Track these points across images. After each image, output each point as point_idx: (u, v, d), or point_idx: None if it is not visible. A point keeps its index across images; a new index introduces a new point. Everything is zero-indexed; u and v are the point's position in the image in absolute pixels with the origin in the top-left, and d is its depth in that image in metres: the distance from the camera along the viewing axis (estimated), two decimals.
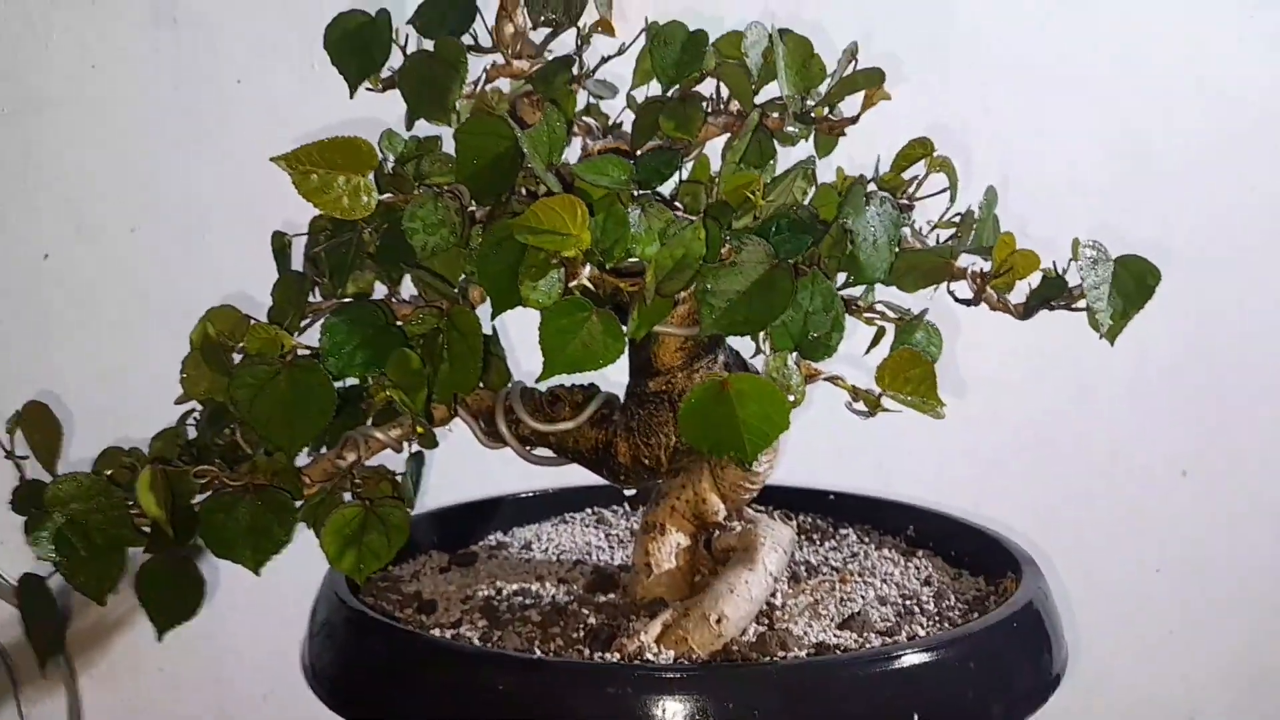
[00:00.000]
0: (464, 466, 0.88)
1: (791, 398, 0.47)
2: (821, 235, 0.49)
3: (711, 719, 0.49)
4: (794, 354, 0.51)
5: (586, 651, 0.64)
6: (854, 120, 0.57)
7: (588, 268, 0.46)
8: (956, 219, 0.60)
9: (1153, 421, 1.04)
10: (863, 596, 0.74)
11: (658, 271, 0.46)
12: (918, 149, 0.58)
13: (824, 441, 1.03)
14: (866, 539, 0.88)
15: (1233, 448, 1.04)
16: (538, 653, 0.64)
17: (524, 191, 0.56)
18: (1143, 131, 1.05)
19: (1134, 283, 0.54)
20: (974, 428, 1.06)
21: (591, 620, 0.69)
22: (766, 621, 0.68)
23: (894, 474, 1.06)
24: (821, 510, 0.95)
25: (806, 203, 0.54)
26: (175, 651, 1.00)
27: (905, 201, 0.58)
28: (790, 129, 0.56)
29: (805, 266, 0.50)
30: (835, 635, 0.66)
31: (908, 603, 0.72)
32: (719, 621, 0.64)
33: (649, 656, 0.63)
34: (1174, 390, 1.04)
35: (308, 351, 0.54)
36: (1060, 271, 0.56)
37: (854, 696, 0.51)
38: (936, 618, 0.69)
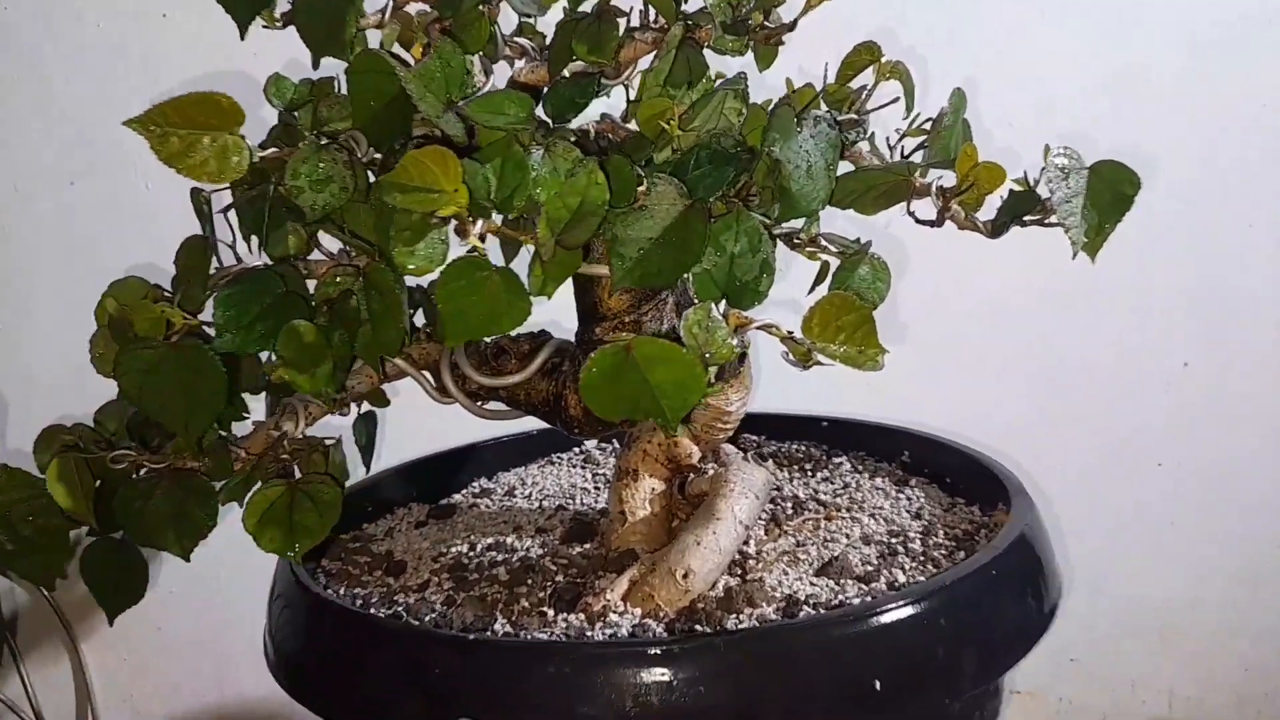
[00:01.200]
0: (446, 411, 0.84)
1: (709, 354, 0.42)
2: (748, 165, 0.44)
3: (654, 697, 0.46)
4: (723, 302, 0.46)
5: (550, 613, 0.62)
6: (790, 27, 0.51)
7: (480, 223, 0.41)
8: (928, 125, 0.53)
9: (1153, 317, 1.00)
10: (847, 535, 0.70)
11: (551, 224, 0.41)
12: (864, 54, 0.51)
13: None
14: (860, 468, 0.83)
15: (1233, 340, 1.00)
16: (499, 620, 0.61)
17: (438, 134, 0.50)
18: (1132, 34, 0.98)
19: (1109, 193, 0.48)
20: (970, 339, 1.03)
21: (560, 577, 0.67)
22: (740, 571, 0.65)
23: (887, 395, 0.99)
24: (815, 438, 0.91)
25: (739, 125, 0.48)
26: (172, 610, 0.99)
27: (852, 115, 0.52)
28: (721, 42, 0.50)
29: (735, 200, 0.44)
30: (811, 584, 0.62)
31: (893, 541, 0.68)
32: (685, 576, 0.61)
33: (614, 616, 0.60)
34: (1174, 285, 0.99)
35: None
36: (1032, 184, 0.50)
37: (809, 667, 0.47)
38: (921, 558, 0.65)
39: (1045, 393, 1.03)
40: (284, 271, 0.50)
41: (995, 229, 0.52)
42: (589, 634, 0.58)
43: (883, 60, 0.51)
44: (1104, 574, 1.04)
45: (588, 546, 0.72)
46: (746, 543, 0.66)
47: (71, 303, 1.00)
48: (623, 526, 0.70)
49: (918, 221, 0.54)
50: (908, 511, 0.74)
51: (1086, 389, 1.02)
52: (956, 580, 0.53)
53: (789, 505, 0.76)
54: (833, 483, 0.81)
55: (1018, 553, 0.57)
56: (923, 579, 0.61)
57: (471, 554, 0.72)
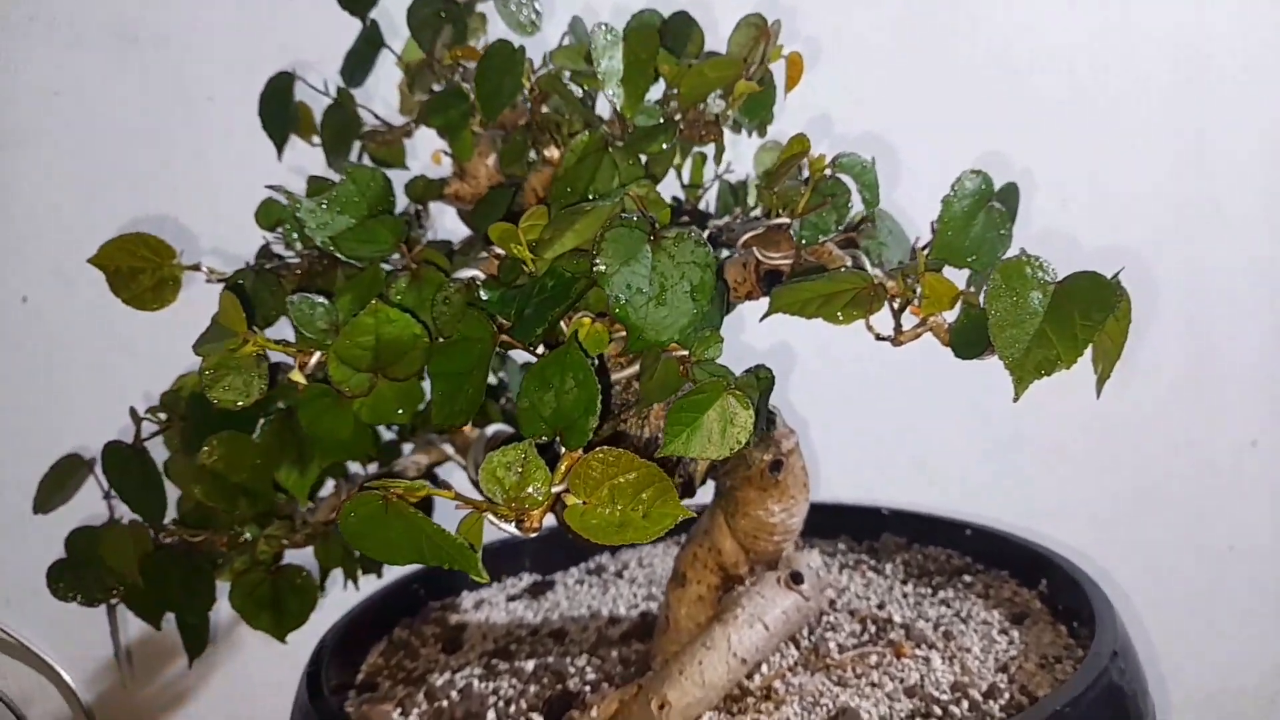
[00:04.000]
0: None
1: (512, 502, 0.38)
2: (581, 295, 0.40)
3: None
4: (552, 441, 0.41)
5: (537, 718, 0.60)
6: (716, 123, 0.45)
7: (315, 356, 0.42)
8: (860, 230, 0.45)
9: (1218, 394, 0.94)
10: (898, 680, 0.60)
11: (352, 362, 0.40)
12: (795, 147, 0.44)
13: (856, 435, 0.96)
14: (989, 593, 0.71)
15: None
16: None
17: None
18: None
19: (1078, 313, 0.37)
20: (1027, 418, 0.93)
21: (592, 675, 0.65)
22: (735, 709, 0.58)
23: (939, 472, 0.95)
24: (959, 547, 0.79)
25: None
26: (200, 698, 0.99)
27: (781, 220, 0.45)
28: (640, 145, 0.46)
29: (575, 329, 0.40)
30: None
31: (941, 698, 0.57)
32: (661, 708, 0.56)
33: None
34: (1238, 361, 0.93)
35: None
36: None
37: None
38: None
39: (1106, 473, 0.96)
40: None
41: (959, 353, 0.42)
42: None
43: (814, 155, 0.44)
44: (1175, 666, 0.95)
45: (642, 647, 0.69)
46: (750, 676, 0.60)
47: (108, 386, 0.92)
48: (664, 634, 0.67)
49: (878, 338, 0.45)
50: (995, 660, 0.61)
51: (1149, 468, 0.95)
52: None
53: (872, 629, 0.67)
54: (949, 607, 0.70)
55: None
56: None
57: (528, 639, 0.73)
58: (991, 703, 0.56)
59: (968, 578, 0.75)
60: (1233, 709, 0.97)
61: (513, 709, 0.62)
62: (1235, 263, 0.91)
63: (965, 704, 0.56)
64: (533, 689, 0.64)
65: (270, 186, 0.48)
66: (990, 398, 0.96)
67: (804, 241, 0.47)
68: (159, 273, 0.49)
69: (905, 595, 0.73)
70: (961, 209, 0.46)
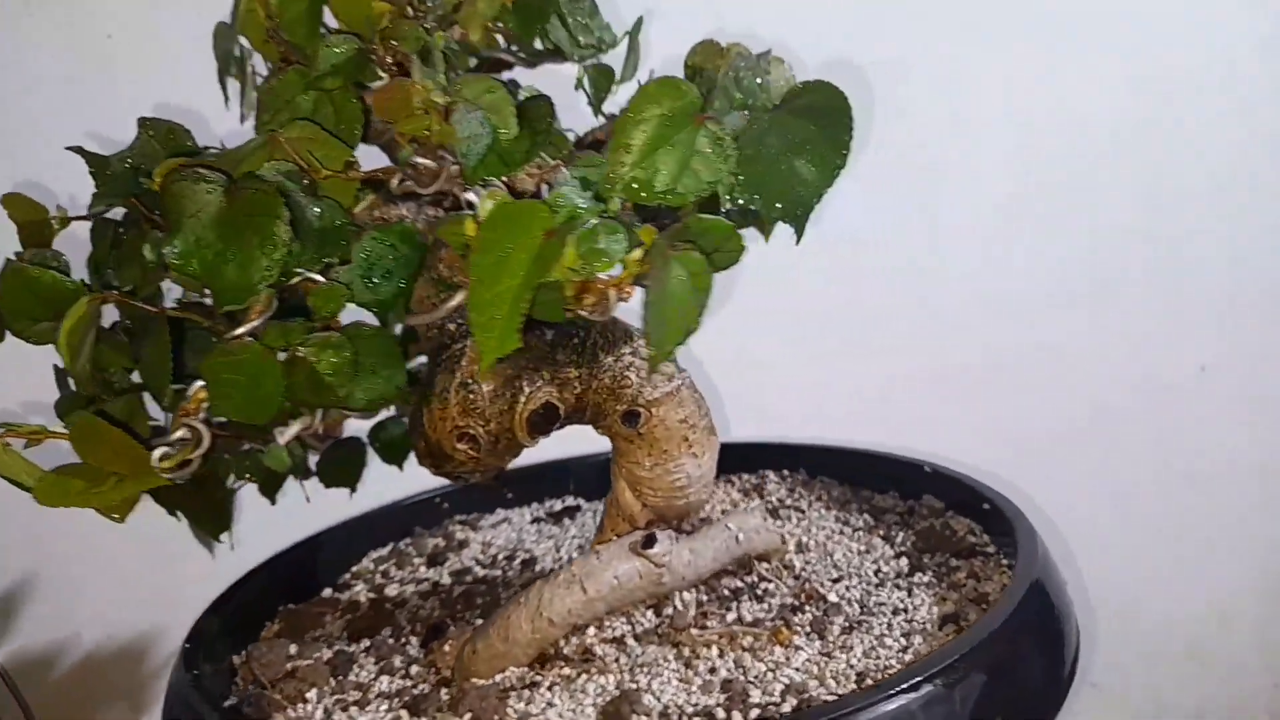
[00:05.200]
0: None
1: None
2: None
3: None
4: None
5: (413, 642, 0.63)
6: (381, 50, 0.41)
7: None
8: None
9: (1165, 317, 0.92)
10: (743, 669, 0.53)
11: (20, 311, 0.43)
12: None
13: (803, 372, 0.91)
14: (967, 583, 0.59)
15: (1252, 341, 0.91)
16: (382, 634, 0.64)
17: None
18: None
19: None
20: (970, 347, 0.93)
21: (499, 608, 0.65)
22: (544, 668, 0.55)
23: (886, 412, 0.91)
24: (981, 520, 0.66)
25: None
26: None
27: (418, 160, 0.38)
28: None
29: None
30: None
31: (755, 698, 0.49)
32: (473, 655, 0.56)
33: (417, 669, 0.58)
34: (1191, 286, 0.91)
35: None
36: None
37: None
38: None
39: (1053, 402, 0.94)
40: None
41: None
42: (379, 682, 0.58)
43: (422, 83, 0.37)
44: (1127, 593, 0.96)
45: None
46: (565, 640, 0.56)
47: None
48: None
49: None
50: (872, 665, 0.51)
51: (1096, 397, 0.93)
52: None
53: (788, 606, 0.59)
54: (909, 595, 0.60)
55: None
56: None
57: (499, 563, 0.74)
58: (796, 712, 0.47)
59: (956, 561, 0.62)
60: (1184, 634, 0.96)
61: (407, 629, 0.65)
62: (1192, 183, 0.87)
63: (756, 712, 0.47)
64: (437, 613, 0.66)
65: (70, 148, 0.53)
66: (941, 326, 0.92)
67: (471, 176, 0.42)
68: (44, 226, 0.57)
69: (878, 573, 0.62)
70: (643, 133, 0.38)
